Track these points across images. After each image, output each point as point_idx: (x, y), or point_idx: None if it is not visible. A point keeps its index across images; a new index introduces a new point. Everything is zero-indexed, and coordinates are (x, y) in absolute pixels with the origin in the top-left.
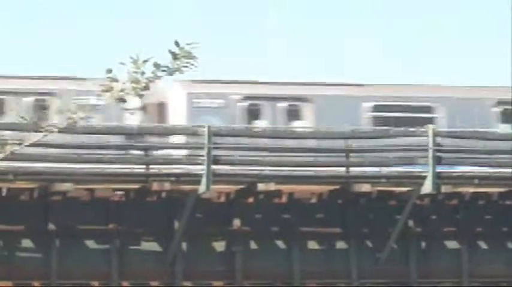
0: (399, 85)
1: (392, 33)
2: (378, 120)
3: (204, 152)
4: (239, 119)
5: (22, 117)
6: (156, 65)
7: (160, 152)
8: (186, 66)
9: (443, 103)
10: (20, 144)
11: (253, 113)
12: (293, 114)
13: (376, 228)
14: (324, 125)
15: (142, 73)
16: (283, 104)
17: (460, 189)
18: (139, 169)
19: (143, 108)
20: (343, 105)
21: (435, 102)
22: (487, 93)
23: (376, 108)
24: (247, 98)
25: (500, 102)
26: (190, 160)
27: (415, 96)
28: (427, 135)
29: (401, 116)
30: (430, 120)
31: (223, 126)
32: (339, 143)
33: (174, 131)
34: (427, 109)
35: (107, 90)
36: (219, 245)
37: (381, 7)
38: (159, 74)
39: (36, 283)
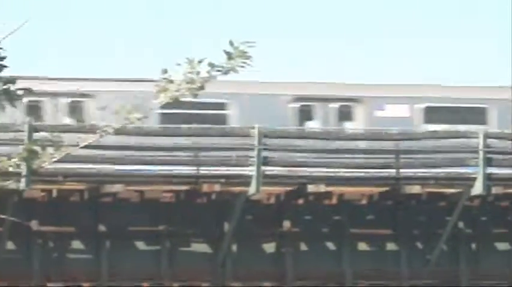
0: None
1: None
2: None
3: (254, 154)
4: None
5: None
6: (211, 65)
7: (210, 153)
8: (242, 66)
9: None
10: (75, 146)
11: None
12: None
13: (426, 229)
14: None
15: (198, 73)
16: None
17: (510, 190)
18: (190, 170)
19: None
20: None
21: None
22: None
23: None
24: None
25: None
26: (240, 162)
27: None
28: (477, 137)
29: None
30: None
31: (274, 127)
32: (389, 145)
33: (225, 132)
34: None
35: (162, 91)
36: (269, 247)
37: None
38: (214, 74)
39: (86, 284)
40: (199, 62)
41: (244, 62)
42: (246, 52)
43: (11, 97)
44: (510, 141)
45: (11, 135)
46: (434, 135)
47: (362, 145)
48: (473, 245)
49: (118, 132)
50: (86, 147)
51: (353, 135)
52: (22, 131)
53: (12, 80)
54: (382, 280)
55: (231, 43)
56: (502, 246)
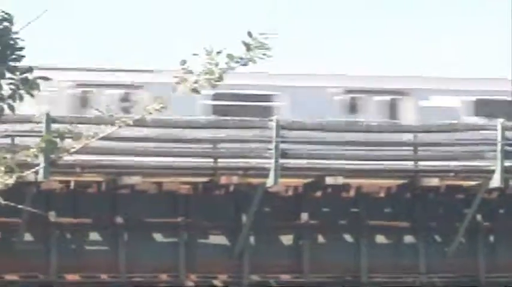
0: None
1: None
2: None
3: (272, 146)
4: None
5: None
6: (230, 56)
7: (228, 145)
8: (262, 58)
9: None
10: (93, 137)
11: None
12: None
13: (444, 222)
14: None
15: (216, 64)
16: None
17: None
18: (208, 162)
19: None
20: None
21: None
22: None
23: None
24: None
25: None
26: (258, 154)
27: None
28: (495, 129)
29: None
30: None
31: (292, 119)
32: (407, 137)
33: (242, 124)
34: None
35: (181, 82)
36: (287, 239)
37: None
38: (233, 65)
39: (104, 276)
40: (218, 53)
41: (264, 54)
42: (265, 44)
43: (30, 86)
44: None
45: (28, 126)
46: (453, 127)
47: (407, 137)
48: (491, 238)
49: (136, 123)
50: (103, 138)
51: (371, 127)
52: (40, 122)
53: (30, 69)
54: (399, 273)
55: (250, 34)
56: None
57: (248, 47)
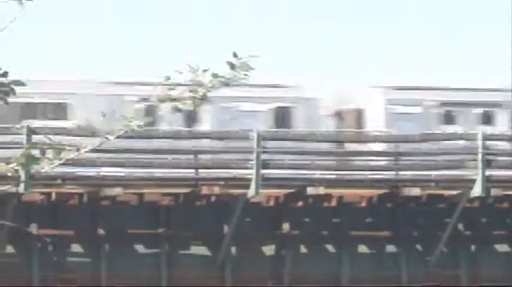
0: None
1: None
2: None
3: (253, 157)
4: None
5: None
6: (215, 75)
7: (209, 156)
8: (243, 78)
9: None
10: (77, 150)
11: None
12: (487, 120)
13: (426, 232)
14: None
15: (201, 84)
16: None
17: (510, 192)
18: (189, 173)
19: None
20: None
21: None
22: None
23: None
24: (443, 104)
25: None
26: (239, 164)
27: None
28: (476, 139)
29: None
30: None
31: (272, 130)
32: (388, 147)
33: (225, 135)
34: None
35: (164, 100)
36: (268, 249)
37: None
38: (217, 84)
39: None
40: (204, 71)
41: (245, 74)
42: (248, 64)
43: (3, 91)
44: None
45: (9, 138)
46: (433, 137)
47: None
48: (473, 247)
49: (119, 136)
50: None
51: (351, 137)
52: (20, 133)
53: (4, 74)
54: (381, 282)
55: (235, 55)
56: (501, 248)
57: (232, 67)
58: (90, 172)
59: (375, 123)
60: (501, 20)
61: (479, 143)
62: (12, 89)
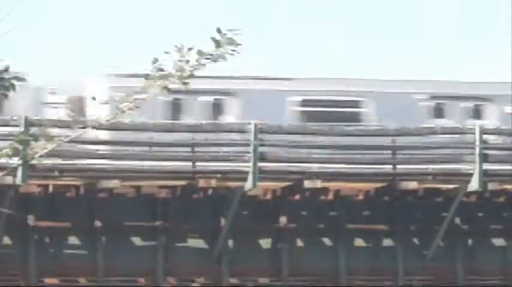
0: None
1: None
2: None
3: (250, 149)
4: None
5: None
6: (200, 53)
7: (206, 148)
8: (231, 54)
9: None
10: (65, 141)
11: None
12: (476, 113)
13: (423, 225)
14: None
15: (187, 61)
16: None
17: (506, 186)
18: (186, 166)
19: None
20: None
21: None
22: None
23: None
24: (432, 97)
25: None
26: (236, 157)
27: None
28: (473, 133)
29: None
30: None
31: (270, 123)
32: (386, 141)
33: (222, 128)
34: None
35: (153, 80)
36: (265, 242)
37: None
38: (203, 62)
39: (82, 280)
40: (189, 49)
41: (233, 50)
42: (233, 40)
43: (4, 86)
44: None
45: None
46: (431, 131)
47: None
48: (470, 241)
49: (113, 126)
50: (82, 142)
51: (348, 131)
52: (18, 125)
53: (5, 69)
54: (378, 275)
55: (219, 30)
56: (498, 242)
57: (218, 44)
58: (88, 164)
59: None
60: (501, 20)
61: (477, 136)
62: (13, 85)
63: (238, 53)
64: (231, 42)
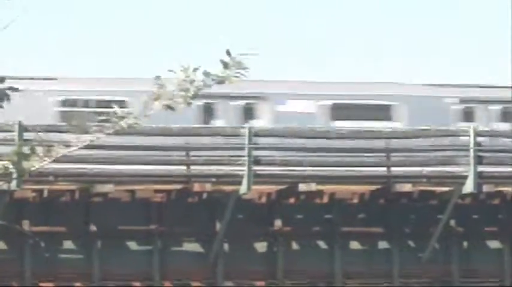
0: None
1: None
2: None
3: (244, 153)
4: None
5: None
6: (206, 74)
7: (201, 153)
8: (237, 76)
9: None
10: (67, 147)
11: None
12: (504, 116)
13: (418, 228)
14: None
15: (192, 81)
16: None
17: (501, 188)
18: (181, 169)
19: None
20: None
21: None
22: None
23: None
24: (462, 101)
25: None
26: (231, 161)
27: None
28: (468, 135)
29: None
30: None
31: (264, 126)
32: (380, 143)
33: (216, 132)
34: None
35: (156, 98)
36: (261, 246)
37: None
38: (209, 82)
39: (78, 284)
40: (195, 70)
41: (238, 72)
42: (242, 63)
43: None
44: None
45: (1, 135)
46: (425, 133)
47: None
48: (465, 243)
49: (109, 132)
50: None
51: (344, 133)
52: (12, 131)
53: (0, 79)
54: (373, 278)
55: (228, 53)
56: (493, 244)
57: (226, 65)
58: (83, 169)
59: None
60: (501, 19)
61: (471, 139)
62: (7, 95)
63: (245, 76)
64: (240, 65)
